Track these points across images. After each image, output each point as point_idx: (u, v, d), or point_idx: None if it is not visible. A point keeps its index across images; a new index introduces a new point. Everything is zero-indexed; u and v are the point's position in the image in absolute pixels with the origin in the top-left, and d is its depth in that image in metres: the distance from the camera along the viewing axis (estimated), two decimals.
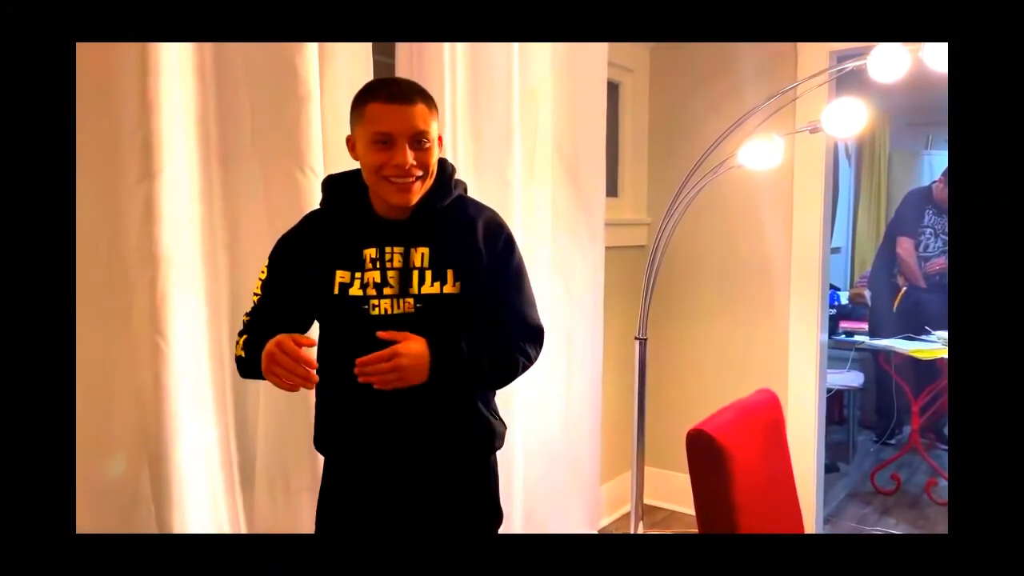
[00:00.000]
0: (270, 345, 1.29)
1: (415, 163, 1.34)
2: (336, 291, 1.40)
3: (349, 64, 1.90)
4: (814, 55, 2.84)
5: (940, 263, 4.20)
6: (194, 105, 1.67)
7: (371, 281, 1.39)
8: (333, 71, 1.88)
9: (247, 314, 1.49)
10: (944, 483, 3.61)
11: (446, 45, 2.10)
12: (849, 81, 2.10)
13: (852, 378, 4.16)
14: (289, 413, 1.82)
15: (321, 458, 1.57)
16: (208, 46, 1.69)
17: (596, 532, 2.94)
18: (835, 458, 3.96)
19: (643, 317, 2.18)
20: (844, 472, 3.91)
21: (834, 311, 4.18)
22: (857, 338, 4.04)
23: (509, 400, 2.25)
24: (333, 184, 1.48)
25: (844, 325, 4.19)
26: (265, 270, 1.47)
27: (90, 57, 1.49)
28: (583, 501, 2.80)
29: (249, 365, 1.40)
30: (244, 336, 1.43)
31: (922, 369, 3.76)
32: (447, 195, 1.45)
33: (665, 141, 3.31)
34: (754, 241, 3.10)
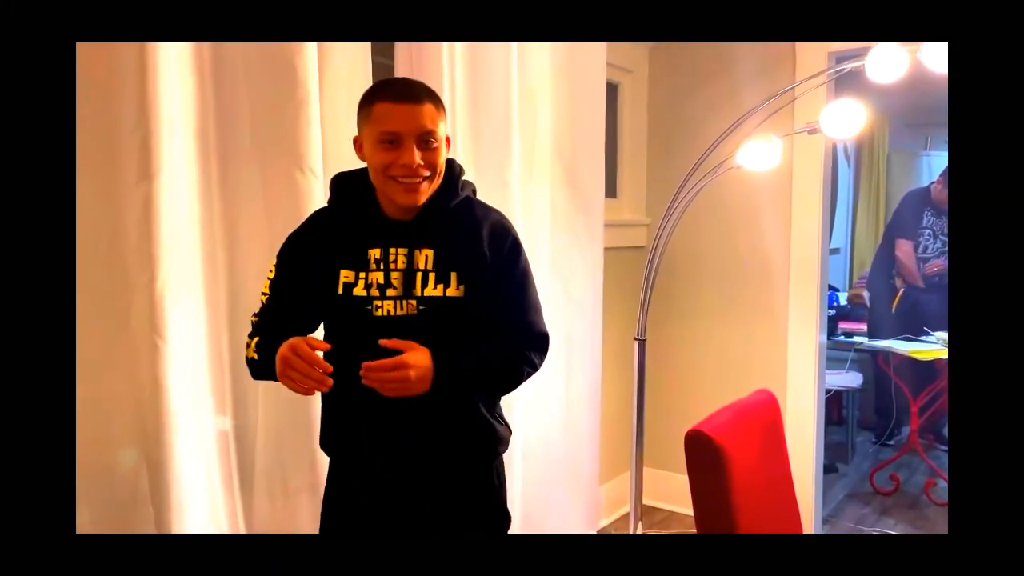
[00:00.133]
0: (284, 349, 1.28)
1: (422, 163, 1.33)
2: (340, 291, 1.39)
3: (348, 64, 1.90)
4: (813, 56, 2.85)
5: (939, 264, 4.20)
6: (193, 105, 1.67)
7: (375, 282, 1.38)
8: (332, 71, 1.88)
9: (255, 314, 1.48)
10: (943, 484, 3.61)
11: (445, 45, 2.10)
12: (848, 82, 2.10)
13: (851, 379, 4.17)
14: (288, 414, 1.82)
15: (320, 459, 1.57)
16: (207, 46, 1.69)
17: (595, 532, 2.94)
18: (834, 459, 3.96)
19: (642, 318, 2.18)
20: (843, 473, 3.91)
21: (833, 312, 4.18)
22: (856, 339, 4.04)
23: (508, 401, 2.23)
24: (341, 182, 1.47)
25: (843, 326, 4.19)
26: (273, 269, 1.47)
27: (90, 57, 1.49)
28: (582, 501, 2.80)
29: (262, 367, 1.39)
30: (255, 338, 1.42)
31: (921, 370, 3.76)
32: (454, 196, 1.44)
33: (664, 142, 3.31)
34: (753, 242, 3.10)
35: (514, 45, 2.29)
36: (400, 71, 2.08)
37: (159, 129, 1.54)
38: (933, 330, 3.76)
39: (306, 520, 1.86)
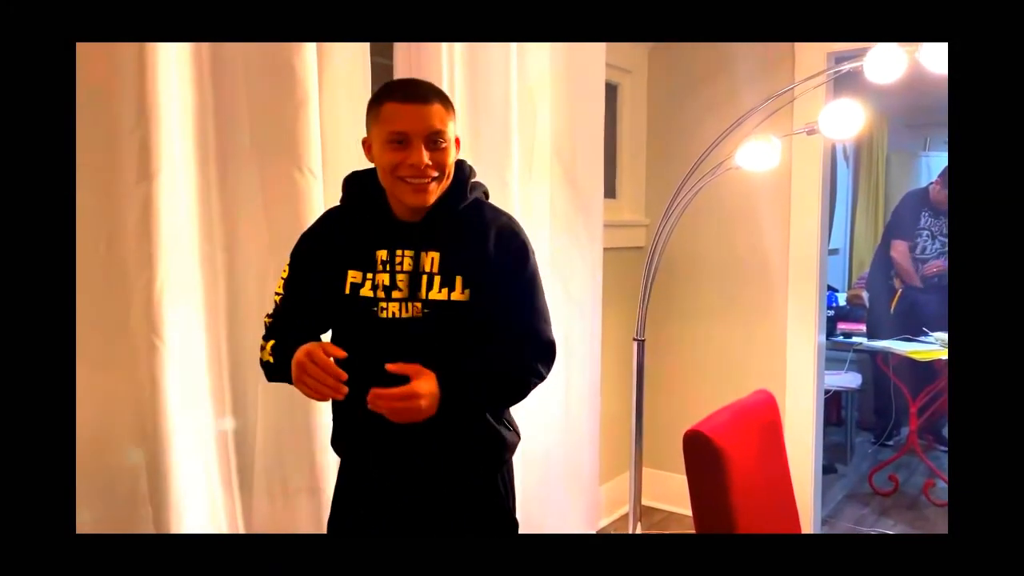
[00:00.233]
0: (300, 355, 1.26)
1: (430, 163, 1.32)
2: (348, 291, 1.38)
3: (347, 65, 1.90)
4: (812, 56, 2.85)
5: (938, 265, 4.20)
6: (192, 106, 1.67)
7: (381, 283, 1.37)
8: (331, 72, 1.88)
9: (269, 315, 1.46)
10: (942, 484, 3.61)
11: (444, 45, 2.10)
12: (847, 82, 2.10)
13: (850, 379, 4.17)
14: (288, 414, 1.82)
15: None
16: (206, 46, 1.69)
17: (595, 532, 2.94)
18: (833, 459, 3.96)
19: (641, 318, 2.18)
20: (842, 473, 3.91)
21: (832, 312, 4.18)
22: (855, 339, 4.04)
23: None
24: (353, 182, 1.46)
25: (842, 326, 4.19)
26: (287, 269, 1.45)
27: (89, 57, 1.49)
28: (582, 502, 2.80)
29: (277, 371, 1.38)
30: (271, 341, 1.41)
31: (920, 370, 3.76)
32: (463, 199, 1.43)
33: (663, 142, 3.31)
34: (752, 242, 3.10)
35: (513, 45, 2.29)
36: (399, 71, 2.08)
37: (158, 129, 1.54)
38: (932, 330, 3.77)
39: (306, 520, 1.86)
